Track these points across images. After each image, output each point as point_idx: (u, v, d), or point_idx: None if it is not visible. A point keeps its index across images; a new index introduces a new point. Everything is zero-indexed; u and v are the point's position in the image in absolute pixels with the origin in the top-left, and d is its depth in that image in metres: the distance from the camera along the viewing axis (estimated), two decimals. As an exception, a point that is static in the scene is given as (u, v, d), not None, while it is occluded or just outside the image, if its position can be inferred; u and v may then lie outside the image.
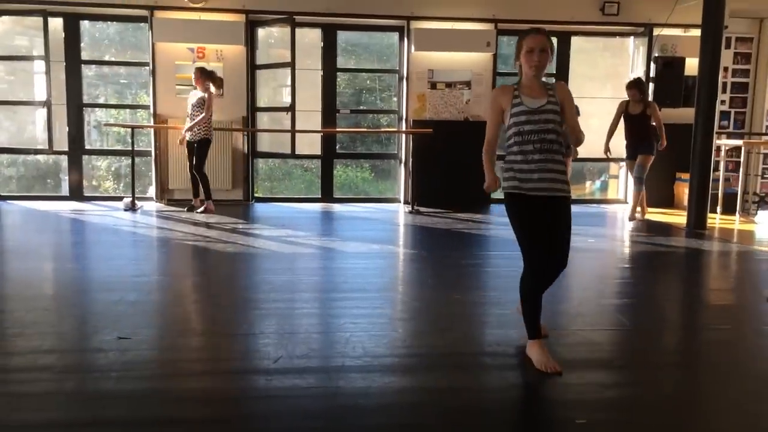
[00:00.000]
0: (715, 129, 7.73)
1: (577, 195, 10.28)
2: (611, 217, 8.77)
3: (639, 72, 9.28)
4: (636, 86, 7.91)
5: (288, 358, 3.40)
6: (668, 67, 9.04)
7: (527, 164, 3.31)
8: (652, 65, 9.10)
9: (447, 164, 8.78)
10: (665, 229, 7.75)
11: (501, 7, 8.82)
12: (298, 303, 4.59)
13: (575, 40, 9.40)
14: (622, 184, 9.73)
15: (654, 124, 7.91)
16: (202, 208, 7.95)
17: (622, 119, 8.02)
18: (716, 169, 8.27)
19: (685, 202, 8.04)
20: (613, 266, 6.05)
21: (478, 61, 8.97)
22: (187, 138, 7.81)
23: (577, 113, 3.80)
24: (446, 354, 3.59)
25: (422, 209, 8.45)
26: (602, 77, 9.94)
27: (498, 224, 7.86)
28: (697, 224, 7.52)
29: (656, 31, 9.04)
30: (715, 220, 8.11)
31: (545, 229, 3.36)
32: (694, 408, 3.05)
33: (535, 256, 3.41)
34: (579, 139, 3.48)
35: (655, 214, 8.63)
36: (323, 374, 3.27)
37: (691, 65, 8.43)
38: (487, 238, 7.20)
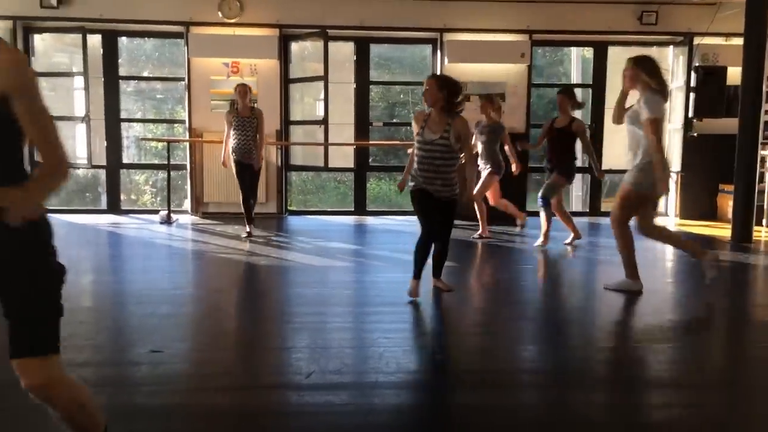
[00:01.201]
0: (760, 139, 7.48)
1: (609, 208, 10.05)
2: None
3: (680, 82, 9.07)
4: (564, 93, 6.80)
5: (321, 373, 3.34)
6: (710, 76, 8.80)
7: (420, 175, 4.63)
8: (693, 75, 8.87)
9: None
10: (709, 242, 7.50)
11: (536, 18, 8.72)
12: (330, 317, 4.53)
13: (612, 50, 9.23)
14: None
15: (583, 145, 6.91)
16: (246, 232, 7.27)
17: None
18: (761, 180, 8.01)
19: (729, 215, 7.79)
20: (656, 281, 5.86)
21: (513, 73, 8.86)
22: (236, 160, 7.09)
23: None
24: (481, 370, 3.49)
25: (458, 222, 8.33)
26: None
27: (534, 237, 7.71)
28: (742, 237, 7.28)
29: (696, 40, 8.83)
30: (761, 233, 7.84)
31: (431, 215, 4.66)
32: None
33: (423, 229, 4.70)
34: (471, 172, 4.96)
35: (698, 228, 8.38)
36: (356, 390, 3.20)
37: (734, 74, 8.21)
38: (522, 251, 7.06)
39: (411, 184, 4.72)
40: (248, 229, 7.19)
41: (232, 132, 7.04)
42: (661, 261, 6.82)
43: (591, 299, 5.23)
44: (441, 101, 4.52)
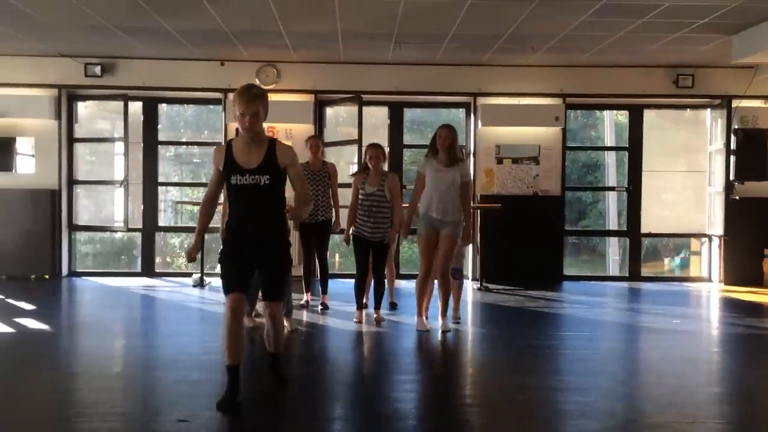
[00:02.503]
0: (806, 202, 7.24)
1: (655, 272, 9.78)
2: (695, 296, 8.22)
3: (719, 145, 8.91)
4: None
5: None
6: (750, 139, 8.63)
7: (365, 222, 5.87)
8: (733, 138, 8.71)
9: (516, 240, 8.52)
10: (756, 308, 7.20)
11: (569, 81, 8.72)
12: (363, 386, 4.37)
13: (647, 113, 9.15)
14: (705, 260, 9.19)
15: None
16: (321, 304, 6.61)
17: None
18: (809, 244, 7.71)
19: (777, 280, 7.48)
20: (704, 350, 5.59)
21: (547, 136, 8.82)
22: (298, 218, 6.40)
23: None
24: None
25: (491, 286, 8.17)
26: (676, 151, 9.61)
27: (572, 303, 7.49)
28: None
29: (735, 103, 8.71)
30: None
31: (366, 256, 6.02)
32: None
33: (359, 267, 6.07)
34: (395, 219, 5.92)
35: (744, 294, 8.05)
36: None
37: (774, 137, 8.05)
38: (561, 317, 6.84)
39: (352, 230, 5.94)
40: (306, 297, 6.70)
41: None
42: (706, 327, 6.52)
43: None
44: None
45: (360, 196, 5.88)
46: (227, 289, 3.71)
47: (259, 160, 3.65)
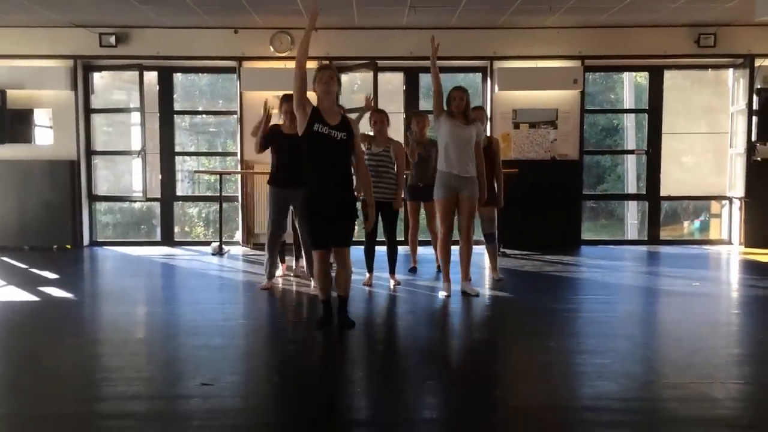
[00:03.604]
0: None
1: (674, 236, 9.70)
2: (714, 259, 8.16)
3: (741, 105, 8.74)
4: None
5: (372, 409, 3.22)
6: (772, 99, 8.46)
7: (373, 183, 5.36)
8: (755, 98, 8.54)
9: (533, 205, 8.48)
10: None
11: (588, 43, 8.56)
12: (389, 353, 4.42)
13: (668, 74, 8.98)
14: (725, 222, 9.09)
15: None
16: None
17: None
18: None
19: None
20: (724, 312, 5.56)
21: (565, 99, 8.70)
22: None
23: None
24: (542, 408, 3.31)
25: (509, 251, 8.16)
26: (697, 112, 9.45)
27: (591, 267, 7.47)
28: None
29: (757, 62, 8.51)
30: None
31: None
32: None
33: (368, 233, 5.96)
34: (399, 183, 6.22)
35: (765, 255, 7.98)
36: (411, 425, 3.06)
37: (799, 96, 7.87)
38: (580, 281, 6.82)
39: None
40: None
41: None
42: (726, 289, 6.49)
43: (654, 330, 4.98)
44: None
45: (366, 156, 5.88)
46: (315, 246, 4.59)
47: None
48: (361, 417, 3.26)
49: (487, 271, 6.74)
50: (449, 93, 5.63)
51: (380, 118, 6.25)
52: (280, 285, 6.37)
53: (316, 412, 3.30)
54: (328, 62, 4.62)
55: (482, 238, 6.54)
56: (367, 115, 6.60)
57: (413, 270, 6.93)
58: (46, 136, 8.77)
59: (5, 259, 7.89)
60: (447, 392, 3.61)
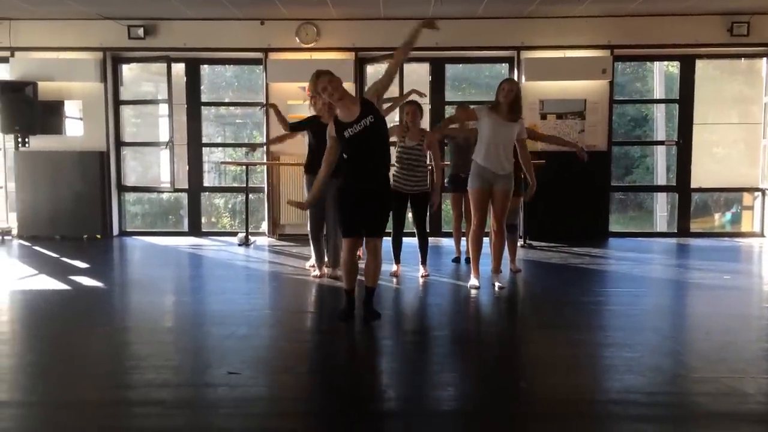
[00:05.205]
0: None
1: (705, 228, 9.52)
2: (746, 252, 8.01)
3: (774, 94, 8.54)
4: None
5: (397, 400, 3.22)
6: (808, 88, 8.26)
7: (404, 176, 6.01)
8: (789, 87, 8.34)
9: (561, 196, 8.39)
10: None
11: (617, 32, 8.43)
12: (416, 344, 4.41)
13: (699, 64, 8.80)
14: (757, 214, 8.91)
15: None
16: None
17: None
18: None
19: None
20: (756, 306, 5.46)
21: (593, 90, 8.59)
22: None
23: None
24: (570, 401, 3.28)
25: (535, 243, 8.10)
26: (729, 102, 9.25)
27: (619, 259, 7.38)
28: None
29: (793, 50, 8.32)
30: None
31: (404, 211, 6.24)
32: None
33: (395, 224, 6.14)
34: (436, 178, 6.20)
35: (799, 249, 7.82)
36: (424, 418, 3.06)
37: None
38: (607, 274, 6.75)
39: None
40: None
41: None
42: (758, 282, 6.36)
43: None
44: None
45: (398, 149, 5.99)
46: (345, 233, 4.61)
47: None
48: (386, 408, 3.26)
49: (506, 261, 6.67)
50: (500, 84, 5.59)
51: (414, 110, 6.08)
52: (307, 276, 6.39)
53: (342, 402, 3.32)
54: (316, 73, 4.36)
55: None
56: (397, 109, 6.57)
57: (456, 260, 6.94)
58: (77, 127, 8.91)
59: (37, 248, 8.05)
60: (472, 384, 3.60)
